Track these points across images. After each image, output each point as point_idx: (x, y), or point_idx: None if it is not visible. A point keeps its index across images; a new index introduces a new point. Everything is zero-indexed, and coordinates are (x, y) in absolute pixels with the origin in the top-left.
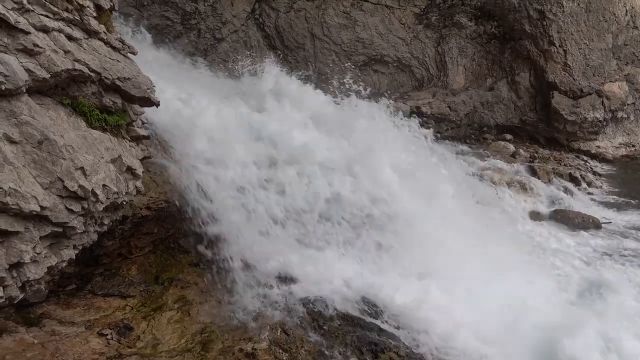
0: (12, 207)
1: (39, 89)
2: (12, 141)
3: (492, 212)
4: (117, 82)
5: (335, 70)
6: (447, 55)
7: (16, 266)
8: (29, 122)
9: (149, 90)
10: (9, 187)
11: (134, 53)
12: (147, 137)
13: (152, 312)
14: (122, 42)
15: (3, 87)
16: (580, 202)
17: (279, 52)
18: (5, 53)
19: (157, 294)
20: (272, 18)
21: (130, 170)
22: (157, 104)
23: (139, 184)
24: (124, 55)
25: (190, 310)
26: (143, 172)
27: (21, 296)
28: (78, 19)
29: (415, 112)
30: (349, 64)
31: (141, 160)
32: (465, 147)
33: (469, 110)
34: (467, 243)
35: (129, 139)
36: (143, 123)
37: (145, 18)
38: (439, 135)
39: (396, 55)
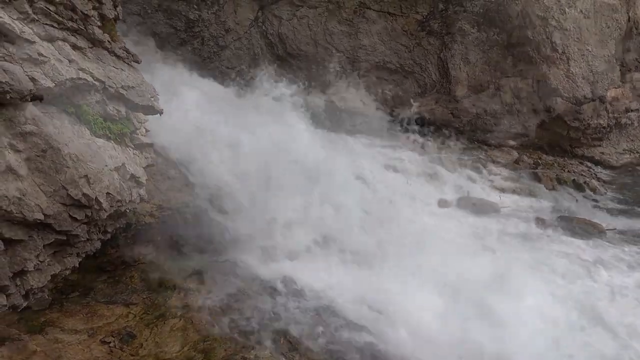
0: (16, 215)
1: (43, 98)
2: (16, 150)
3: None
4: (121, 91)
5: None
6: (450, 61)
7: (20, 274)
8: (33, 130)
9: (152, 99)
10: (13, 196)
11: (137, 62)
12: (151, 145)
13: (154, 320)
14: (127, 50)
15: (8, 97)
16: (584, 209)
17: (282, 59)
18: (11, 62)
19: (160, 302)
20: (275, 26)
21: (134, 178)
22: (161, 112)
23: (142, 191)
24: (128, 64)
25: (192, 318)
26: (147, 179)
27: (24, 304)
28: (83, 28)
29: (419, 118)
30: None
31: (145, 168)
32: (466, 154)
33: (471, 117)
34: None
35: (133, 147)
36: (147, 131)
37: (149, 26)
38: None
39: (399, 62)
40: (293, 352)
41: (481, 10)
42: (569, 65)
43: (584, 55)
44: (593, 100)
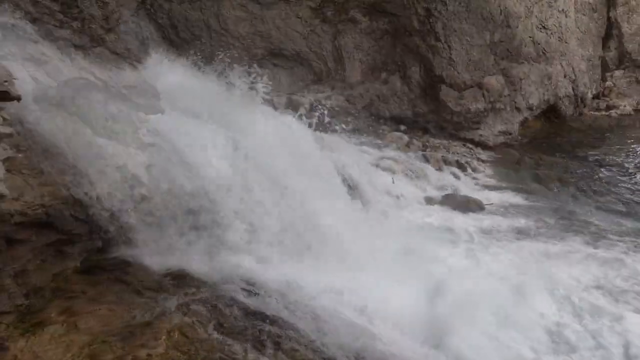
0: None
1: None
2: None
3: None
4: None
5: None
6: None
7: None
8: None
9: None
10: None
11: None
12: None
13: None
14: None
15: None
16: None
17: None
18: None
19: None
20: (164, 9)
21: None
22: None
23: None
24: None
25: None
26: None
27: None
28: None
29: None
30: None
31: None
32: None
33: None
34: None
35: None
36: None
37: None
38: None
39: (294, 49)
40: (285, 353)
41: (371, 0)
42: (550, 64)
43: (565, 53)
44: (575, 98)
